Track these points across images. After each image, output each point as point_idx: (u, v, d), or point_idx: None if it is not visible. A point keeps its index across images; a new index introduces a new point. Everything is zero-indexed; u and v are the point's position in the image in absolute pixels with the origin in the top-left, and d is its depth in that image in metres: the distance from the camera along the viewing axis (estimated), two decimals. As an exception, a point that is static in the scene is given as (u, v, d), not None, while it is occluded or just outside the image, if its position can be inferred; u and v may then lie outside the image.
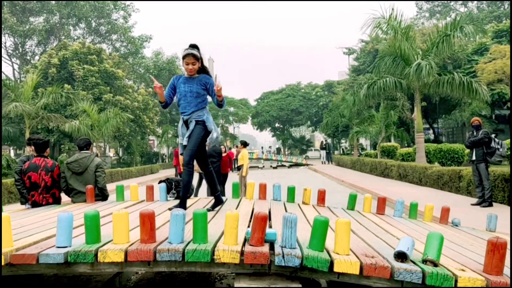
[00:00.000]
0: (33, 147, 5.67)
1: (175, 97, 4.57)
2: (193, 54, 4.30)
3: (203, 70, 4.49)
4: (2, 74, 31.84)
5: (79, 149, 5.93)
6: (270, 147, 65.69)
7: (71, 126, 20.01)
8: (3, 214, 2.89)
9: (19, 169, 5.56)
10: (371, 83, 18.01)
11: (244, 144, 11.90)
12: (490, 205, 8.71)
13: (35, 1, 36.49)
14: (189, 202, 5.53)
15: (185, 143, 4.38)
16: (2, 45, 37.86)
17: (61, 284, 4.16)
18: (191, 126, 4.38)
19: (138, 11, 42.15)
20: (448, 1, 43.87)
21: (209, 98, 4.59)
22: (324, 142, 38.10)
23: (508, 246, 2.71)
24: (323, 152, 35.97)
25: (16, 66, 38.94)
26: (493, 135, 8.90)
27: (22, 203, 5.70)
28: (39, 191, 5.42)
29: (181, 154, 4.54)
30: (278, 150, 56.27)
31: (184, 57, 4.33)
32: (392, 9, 16.11)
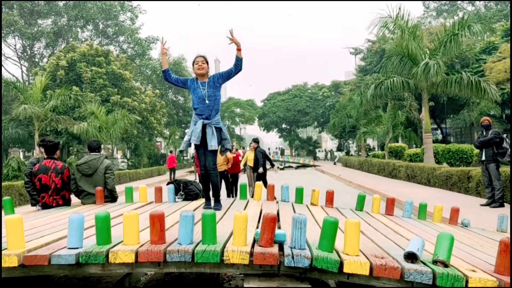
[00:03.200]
0: (43, 149, 5.73)
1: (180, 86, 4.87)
2: (203, 56, 4.70)
3: None
4: (12, 76, 32.21)
5: (90, 151, 5.98)
6: (276, 148, 65.63)
7: (80, 128, 20.17)
8: (15, 215, 2.92)
9: (29, 171, 5.62)
10: (378, 83, 17.94)
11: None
12: (502, 205, 8.62)
13: (43, 3, 36.81)
14: (196, 203, 5.55)
15: (195, 142, 4.63)
16: (12, 47, 38.32)
17: (71, 285, 4.20)
18: (210, 131, 4.64)
19: (145, 13, 42.35)
20: (455, 0, 43.53)
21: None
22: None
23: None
24: (339, 154, 35.49)
25: (24, 69, 39.32)
26: (504, 135, 8.80)
27: (32, 205, 5.76)
28: (49, 193, 5.47)
29: (181, 151, 4.96)
30: (282, 151, 56.14)
31: (194, 60, 4.68)
32: (399, 8, 16.05)
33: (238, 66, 4.65)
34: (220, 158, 10.48)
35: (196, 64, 4.65)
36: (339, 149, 36.77)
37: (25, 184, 5.73)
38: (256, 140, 12.05)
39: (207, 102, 4.62)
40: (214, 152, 4.72)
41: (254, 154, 11.49)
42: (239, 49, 4.63)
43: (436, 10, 45.50)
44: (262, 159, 11.40)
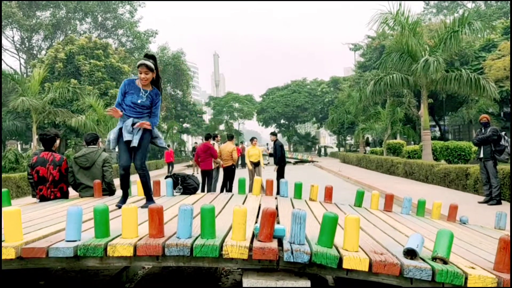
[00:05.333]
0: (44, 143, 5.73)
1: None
2: (146, 65, 4.35)
3: (157, 80, 4.57)
4: (10, 68, 32.02)
5: (86, 144, 5.95)
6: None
7: (78, 121, 20.10)
8: (13, 207, 2.90)
9: (31, 163, 5.60)
10: (377, 79, 17.91)
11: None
12: (499, 203, 8.64)
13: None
14: (195, 197, 5.54)
15: (127, 138, 4.42)
16: (10, 39, 38.10)
17: (68, 278, 4.19)
18: (141, 132, 4.46)
19: (144, 6, 42.15)
20: (456, -2, 43.44)
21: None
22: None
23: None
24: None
25: (22, 61, 39.14)
26: (503, 133, 8.80)
27: (33, 196, 5.75)
28: (47, 185, 5.45)
29: (113, 148, 4.70)
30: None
31: (138, 67, 4.40)
32: (400, 5, 16.00)
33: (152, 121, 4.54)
34: (225, 154, 10.48)
35: (140, 73, 4.36)
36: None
37: (28, 175, 5.71)
38: (274, 133, 12.21)
39: (137, 109, 4.44)
40: (141, 151, 4.51)
41: (274, 148, 11.60)
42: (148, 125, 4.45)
43: (436, 7, 45.40)
44: (280, 152, 11.39)
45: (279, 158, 11.32)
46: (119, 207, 4.40)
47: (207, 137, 10.81)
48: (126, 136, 4.41)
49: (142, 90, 4.45)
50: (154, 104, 4.55)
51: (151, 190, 4.86)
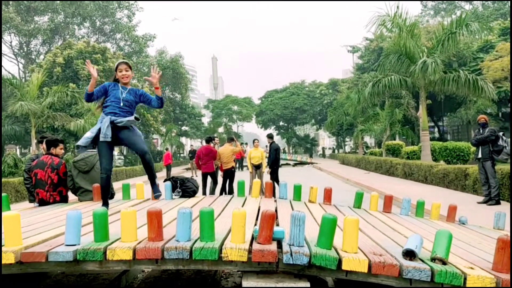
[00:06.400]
0: (44, 146, 5.74)
1: (102, 98, 4.63)
2: (126, 62, 4.64)
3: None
4: (8, 73, 32.02)
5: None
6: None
7: (76, 125, 20.10)
8: (12, 212, 2.90)
9: (28, 167, 5.61)
10: (376, 81, 17.95)
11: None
12: (498, 203, 8.65)
13: (39, 0, 36.62)
14: (194, 200, 5.54)
15: (102, 139, 4.38)
16: (8, 44, 38.09)
17: (68, 282, 4.18)
18: (129, 130, 4.55)
19: (142, 10, 42.21)
20: (453, -1, 43.57)
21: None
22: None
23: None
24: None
25: (20, 66, 39.13)
26: (501, 133, 8.82)
27: (30, 201, 5.74)
28: (46, 188, 5.45)
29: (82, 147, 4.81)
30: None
31: (117, 67, 4.59)
32: (397, 7, 16.05)
33: (158, 104, 4.59)
34: (226, 155, 10.44)
35: (120, 72, 4.54)
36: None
37: (24, 180, 5.72)
38: (270, 136, 12.09)
39: (121, 104, 4.49)
40: (139, 138, 4.64)
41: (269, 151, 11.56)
42: (156, 87, 4.59)
43: (434, 8, 45.54)
44: (274, 155, 11.31)
45: (272, 161, 11.28)
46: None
47: (208, 140, 10.83)
48: (104, 136, 4.35)
49: (123, 88, 4.59)
50: (142, 94, 4.68)
51: (156, 176, 4.97)
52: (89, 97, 4.47)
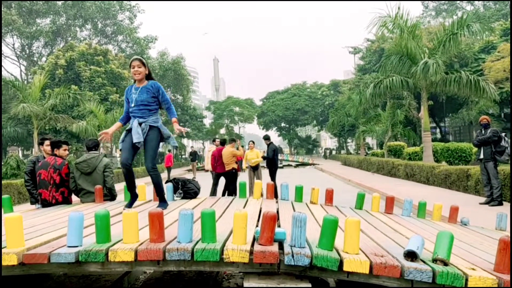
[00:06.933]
0: (45, 147, 5.79)
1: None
2: (139, 59, 4.64)
3: (149, 74, 4.74)
4: (11, 75, 32.13)
5: (87, 150, 5.98)
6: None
7: (78, 126, 20.16)
8: (15, 213, 2.91)
9: (29, 169, 5.64)
10: (377, 82, 17.94)
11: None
12: (500, 204, 8.63)
13: (41, 3, 36.73)
14: (195, 201, 5.54)
15: (136, 140, 4.53)
16: (11, 46, 38.24)
17: (70, 283, 4.19)
18: (146, 129, 4.58)
19: (143, 12, 42.32)
20: (454, 0, 43.52)
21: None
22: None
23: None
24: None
25: (23, 68, 39.25)
26: (503, 134, 8.81)
27: (31, 203, 5.76)
28: (49, 188, 5.48)
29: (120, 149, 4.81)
30: (280, 149, 56.23)
31: (130, 63, 4.63)
32: (398, 8, 16.05)
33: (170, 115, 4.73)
34: (226, 156, 10.40)
35: (133, 68, 4.59)
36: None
37: (25, 182, 5.74)
38: (266, 137, 12.13)
39: (133, 106, 4.57)
40: (150, 152, 4.63)
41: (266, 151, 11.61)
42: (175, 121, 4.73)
43: (435, 9, 45.53)
44: (272, 156, 11.32)
45: (270, 162, 11.28)
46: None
47: (223, 143, 10.87)
48: (136, 138, 4.52)
49: (135, 87, 4.65)
50: (161, 95, 4.67)
51: (164, 192, 4.92)
52: (126, 119, 4.77)
